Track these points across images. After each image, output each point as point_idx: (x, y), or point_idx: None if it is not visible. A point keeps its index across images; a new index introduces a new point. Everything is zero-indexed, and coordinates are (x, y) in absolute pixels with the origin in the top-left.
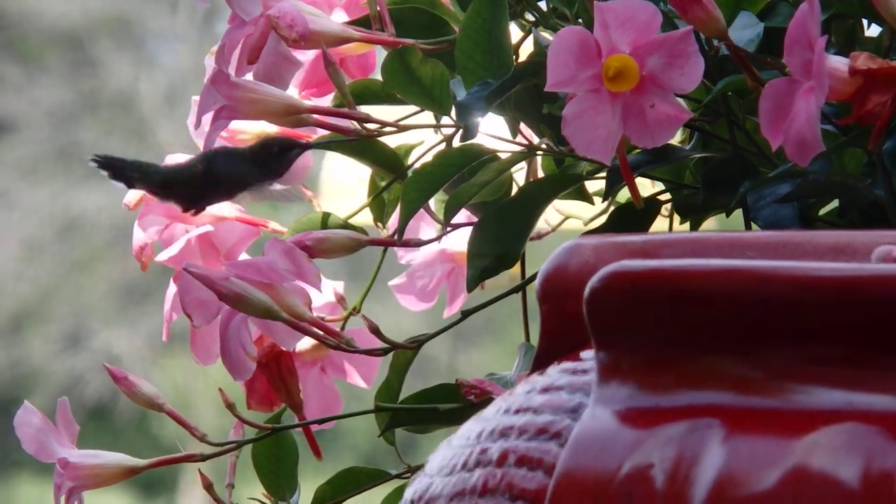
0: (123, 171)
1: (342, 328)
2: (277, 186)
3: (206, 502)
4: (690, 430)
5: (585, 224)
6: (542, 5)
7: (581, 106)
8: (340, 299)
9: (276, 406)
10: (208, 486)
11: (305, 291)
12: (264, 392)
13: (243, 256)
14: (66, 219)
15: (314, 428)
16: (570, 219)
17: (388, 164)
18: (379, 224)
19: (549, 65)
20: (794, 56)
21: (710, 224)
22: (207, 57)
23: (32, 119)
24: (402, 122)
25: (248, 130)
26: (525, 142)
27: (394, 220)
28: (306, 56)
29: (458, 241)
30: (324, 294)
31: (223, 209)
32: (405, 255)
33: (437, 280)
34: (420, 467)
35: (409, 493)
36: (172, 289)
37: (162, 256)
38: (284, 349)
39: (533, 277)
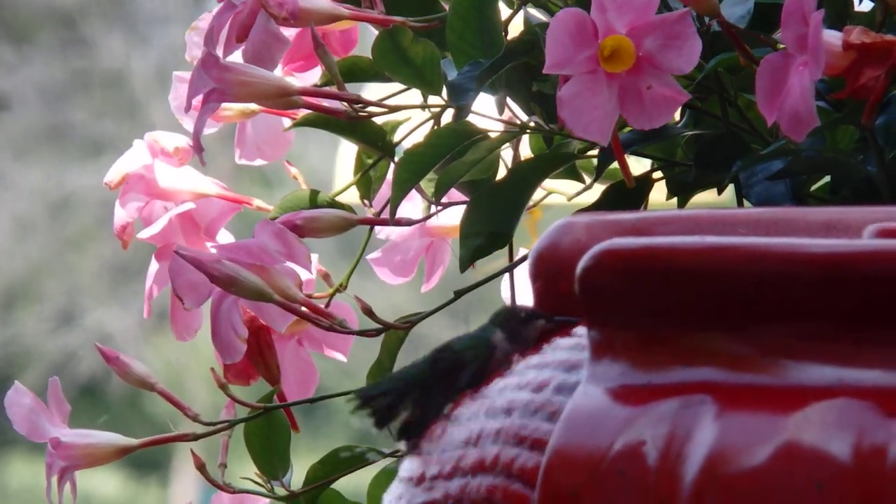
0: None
1: (327, 305)
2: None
3: (199, 482)
4: (683, 406)
5: (569, 200)
6: None
7: (578, 87)
8: (325, 276)
9: (254, 379)
10: (200, 466)
11: (296, 272)
12: (242, 366)
13: (224, 233)
14: (58, 197)
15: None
16: (552, 194)
17: (375, 141)
18: (365, 202)
19: (548, 47)
20: (789, 30)
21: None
22: (188, 33)
23: (24, 98)
24: (390, 102)
25: (232, 107)
26: (515, 120)
27: (380, 198)
28: (291, 31)
29: (438, 216)
30: (312, 271)
31: (204, 186)
32: (383, 230)
33: (415, 254)
34: (415, 446)
35: (403, 472)
36: (154, 266)
37: (144, 234)
38: (275, 329)
39: (524, 257)
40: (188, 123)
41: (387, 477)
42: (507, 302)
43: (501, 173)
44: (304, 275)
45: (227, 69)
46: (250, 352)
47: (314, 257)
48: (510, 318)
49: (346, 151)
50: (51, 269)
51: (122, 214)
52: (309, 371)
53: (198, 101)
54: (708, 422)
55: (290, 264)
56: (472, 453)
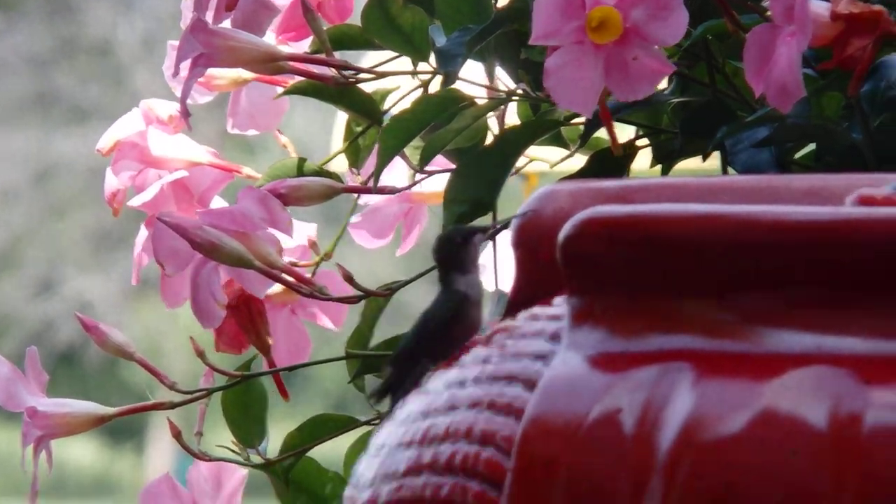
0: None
1: (314, 273)
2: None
3: (175, 450)
4: (660, 374)
5: (552, 167)
6: None
7: (564, 58)
8: (312, 245)
9: (245, 348)
10: (177, 435)
11: (277, 239)
12: (233, 334)
13: (217, 201)
14: (42, 164)
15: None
16: (536, 161)
17: (364, 109)
18: (353, 170)
19: (535, 17)
20: (776, 1)
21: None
22: (183, 1)
23: (9, 65)
24: (378, 69)
25: (224, 76)
26: (502, 87)
27: (367, 166)
28: (283, 1)
29: (420, 184)
30: (295, 238)
31: (196, 154)
32: (365, 197)
33: (394, 219)
34: (390, 413)
35: (379, 439)
36: (143, 233)
37: (136, 202)
38: (255, 295)
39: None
40: (180, 91)
41: (363, 445)
42: (488, 268)
43: (489, 142)
44: (289, 242)
45: (215, 34)
46: (241, 320)
47: (312, 227)
48: (448, 247)
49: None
50: (32, 236)
51: (113, 181)
52: (301, 340)
53: (186, 66)
54: (685, 389)
55: (272, 230)
56: (448, 420)
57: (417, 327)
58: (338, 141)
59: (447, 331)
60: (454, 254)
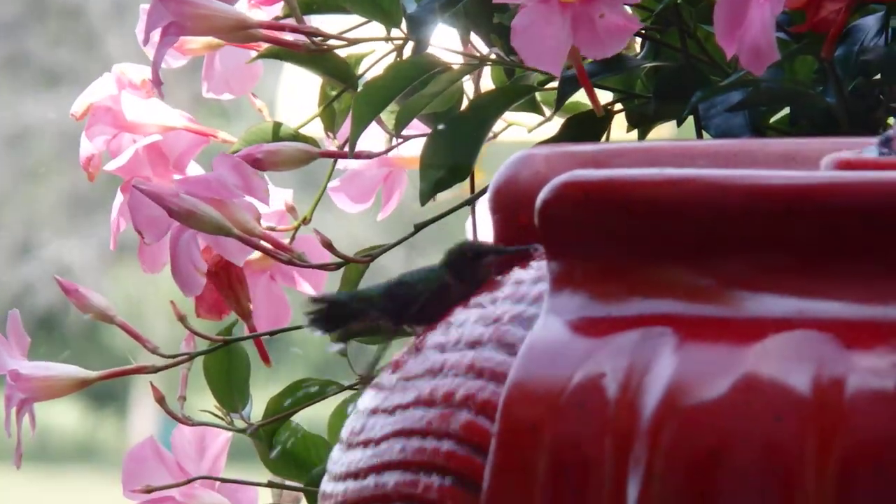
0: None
1: (292, 238)
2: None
3: (158, 414)
4: (642, 339)
5: (529, 132)
6: None
7: (530, 17)
8: (290, 209)
9: (226, 314)
10: (160, 399)
11: (254, 206)
12: (213, 301)
13: (193, 166)
14: (16, 128)
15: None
16: (512, 126)
17: (338, 73)
18: (330, 134)
19: None
20: None
21: (662, 133)
22: None
23: None
24: (350, 35)
25: (197, 40)
26: (475, 52)
27: (344, 131)
28: None
29: (398, 148)
30: (273, 203)
31: (171, 118)
32: (343, 161)
33: (373, 184)
34: (372, 378)
35: (362, 404)
36: (120, 198)
37: (111, 166)
38: (234, 263)
39: (485, 189)
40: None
41: (345, 409)
42: (469, 235)
43: (464, 107)
44: (265, 208)
45: (184, 2)
46: (221, 286)
47: (288, 192)
48: (459, 257)
49: (290, 80)
50: (8, 200)
51: (88, 146)
52: (281, 306)
53: (157, 34)
54: (667, 354)
55: (248, 198)
56: (432, 385)
57: (390, 288)
58: (284, 101)
59: (419, 310)
60: (461, 267)
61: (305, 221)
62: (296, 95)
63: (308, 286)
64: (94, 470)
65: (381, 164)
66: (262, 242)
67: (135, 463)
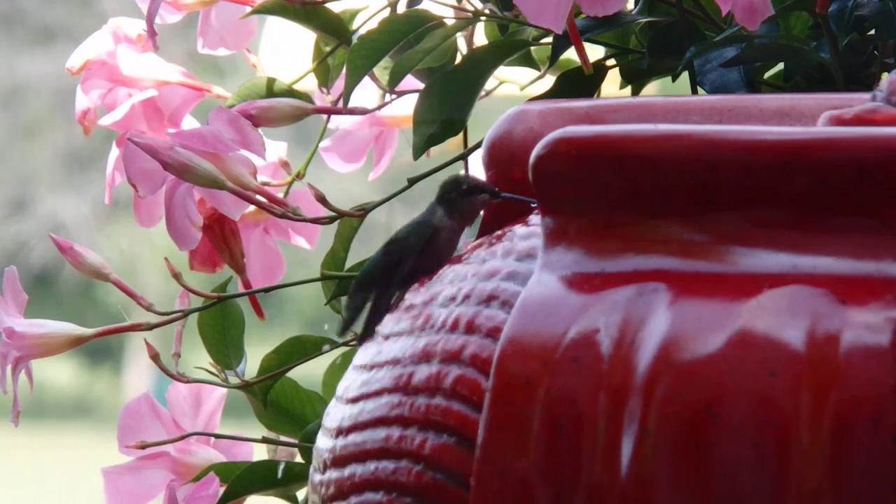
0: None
1: (286, 193)
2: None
3: (153, 371)
4: (636, 294)
5: (522, 89)
6: None
7: None
8: (284, 164)
9: (219, 267)
10: (154, 356)
11: (250, 160)
12: (207, 253)
13: (189, 120)
14: (10, 85)
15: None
16: (506, 83)
17: (332, 28)
18: (324, 89)
19: None
20: None
21: (655, 89)
22: None
23: None
24: None
25: None
26: (470, 7)
27: (337, 87)
28: None
29: (390, 105)
30: (267, 157)
31: (166, 73)
32: (335, 120)
33: (365, 142)
34: (368, 335)
35: (358, 360)
36: (115, 152)
37: (106, 120)
38: (229, 216)
39: (478, 145)
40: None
41: (342, 366)
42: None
43: (458, 62)
44: (259, 163)
45: None
46: (215, 239)
47: (282, 146)
48: (453, 189)
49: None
50: (3, 156)
51: (83, 100)
52: (275, 259)
53: None
54: (662, 309)
55: (244, 152)
56: (425, 341)
57: (384, 254)
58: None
59: (415, 261)
60: (453, 197)
61: (300, 176)
62: (279, 51)
63: (302, 240)
64: (89, 426)
65: (372, 123)
66: (257, 196)
67: (130, 419)
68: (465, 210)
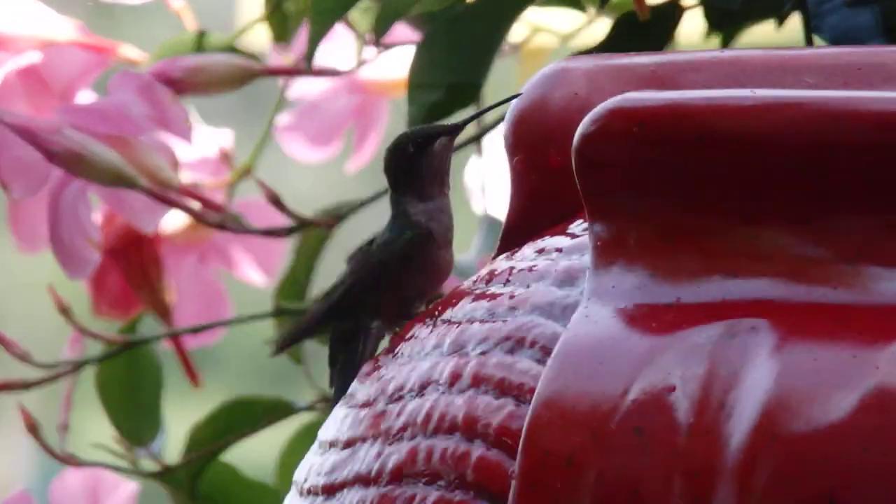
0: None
1: (229, 196)
2: None
3: (32, 450)
4: (727, 335)
5: (564, 41)
6: None
7: None
8: (226, 156)
9: (135, 310)
10: (32, 429)
11: (171, 147)
12: (118, 291)
13: (88, 95)
14: None
15: (189, 341)
16: (540, 33)
17: None
18: (280, 44)
19: None
20: None
21: (752, 39)
22: None
23: None
24: None
25: None
26: None
27: (300, 40)
28: None
29: (374, 65)
30: (202, 147)
31: (55, 29)
32: (297, 87)
33: (341, 118)
34: (341, 395)
35: (325, 435)
36: None
37: None
38: (141, 228)
39: (500, 120)
40: None
41: (304, 440)
42: (473, 186)
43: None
44: (198, 153)
45: None
46: (129, 270)
47: (226, 132)
48: (397, 159)
49: None
50: None
51: None
52: (215, 297)
53: None
54: (763, 358)
55: (163, 133)
56: (424, 405)
57: (352, 273)
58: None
59: (396, 279)
60: (408, 169)
61: (247, 172)
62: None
63: (254, 269)
64: None
65: (350, 91)
66: (183, 199)
67: None
68: (431, 173)
